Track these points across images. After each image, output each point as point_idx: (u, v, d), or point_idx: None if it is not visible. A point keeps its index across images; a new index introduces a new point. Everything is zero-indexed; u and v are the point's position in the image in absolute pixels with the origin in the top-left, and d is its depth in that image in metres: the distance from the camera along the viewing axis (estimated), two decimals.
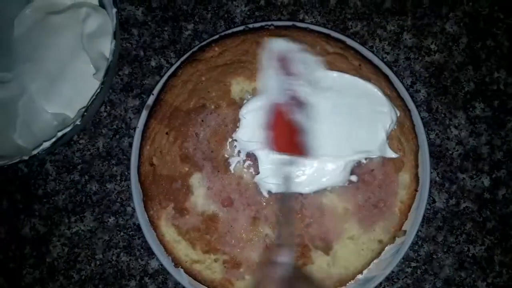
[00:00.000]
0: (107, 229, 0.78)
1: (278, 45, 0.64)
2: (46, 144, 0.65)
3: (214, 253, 0.65)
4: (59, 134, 0.65)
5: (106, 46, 0.69)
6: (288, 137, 0.61)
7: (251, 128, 0.64)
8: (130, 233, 0.78)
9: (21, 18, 0.70)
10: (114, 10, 0.68)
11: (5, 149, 0.69)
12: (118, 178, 0.78)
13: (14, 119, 0.69)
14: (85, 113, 0.66)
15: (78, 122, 0.65)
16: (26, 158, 0.65)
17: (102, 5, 0.73)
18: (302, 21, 0.79)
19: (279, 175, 0.61)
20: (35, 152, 0.65)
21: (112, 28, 0.68)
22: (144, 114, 0.71)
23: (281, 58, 0.63)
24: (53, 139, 0.65)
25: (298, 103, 0.62)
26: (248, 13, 0.80)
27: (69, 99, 0.70)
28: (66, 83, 0.70)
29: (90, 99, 0.66)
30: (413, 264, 0.75)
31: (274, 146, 0.60)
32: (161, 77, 0.73)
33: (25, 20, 0.71)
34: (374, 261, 0.68)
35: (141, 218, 0.70)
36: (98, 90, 0.66)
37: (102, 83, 0.66)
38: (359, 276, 0.69)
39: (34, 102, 0.70)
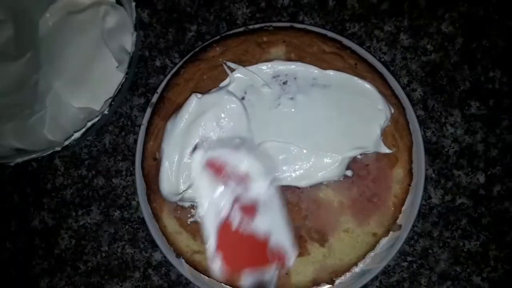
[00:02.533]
0: (112, 222, 0.81)
1: (200, 155, 0.60)
2: (77, 135, 0.70)
3: None
4: (89, 124, 0.70)
5: (126, 40, 0.74)
6: (239, 248, 0.56)
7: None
8: (135, 226, 0.80)
9: (44, 20, 0.74)
10: (133, 3, 0.72)
11: (37, 143, 0.73)
12: (124, 173, 0.81)
13: (44, 115, 0.73)
14: (112, 103, 0.70)
15: (106, 112, 0.70)
16: (59, 149, 0.69)
17: (119, 2, 0.77)
18: (302, 22, 0.81)
19: None
20: (67, 142, 0.70)
21: (132, 20, 0.72)
22: (149, 111, 0.74)
23: (211, 165, 0.58)
24: (83, 130, 0.70)
25: (248, 210, 0.57)
26: (249, 14, 0.82)
27: (94, 93, 0.74)
28: (90, 78, 0.74)
29: (116, 89, 0.70)
30: (409, 259, 0.77)
31: (226, 266, 0.57)
32: (165, 76, 0.76)
33: (48, 21, 0.74)
34: (370, 254, 0.70)
35: (145, 212, 0.73)
36: (123, 80, 0.70)
37: (127, 74, 0.70)
38: (356, 269, 0.71)
39: (60, 98, 0.73)
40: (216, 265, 0.56)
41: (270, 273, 0.56)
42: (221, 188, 0.58)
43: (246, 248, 0.56)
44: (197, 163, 0.59)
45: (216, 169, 0.58)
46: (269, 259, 0.56)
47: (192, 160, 0.59)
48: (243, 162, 0.59)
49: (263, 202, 0.58)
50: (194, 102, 0.63)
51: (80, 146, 0.82)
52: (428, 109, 0.79)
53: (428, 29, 0.80)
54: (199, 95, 0.63)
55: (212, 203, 0.57)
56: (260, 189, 0.58)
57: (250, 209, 0.56)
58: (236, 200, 0.57)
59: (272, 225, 0.57)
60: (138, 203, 0.79)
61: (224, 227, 0.56)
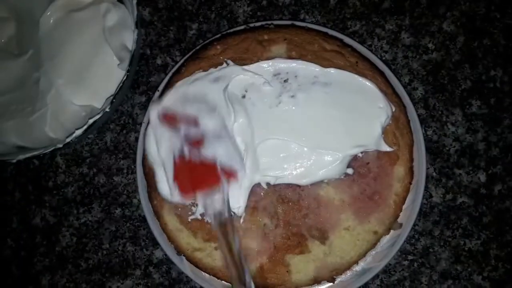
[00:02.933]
0: (113, 220, 0.81)
1: (156, 109, 0.66)
2: (78, 132, 0.70)
3: (215, 242, 0.67)
4: (90, 121, 0.70)
5: (127, 38, 0.74)
6: (192, 175, 0.62)
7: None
8: (136, 224, 0.81)
9: (45, 18, 0.74)
10: (134, 1, 0.72)
11: (38, 141, 0.73)
12: (125, 171, 0.81)
13: (45, 113, 0.73)
14: (114, 100, 0.70)
15: (107, 109, 0.70)
16: (60, 146, 0.70)
17: (120, 0, 0.77)
18: (303, 20, 0.81)
19: (209, 214, 0.63)
20: (68, 139, 0.70)
21: (134, 18, 0.72)
22: None
23: (164, 117, 0.65)
24: (85, 127, 0.70)
25: (196, 143, 0.63)
26: (250, 13, 0.82)
27: (95, 91, 0.74)
28: (91, 76, 0.74)
29: (118, 87, 0.71)
30: (410, 257, 0.77)
31: (181, 193, 0.63)
32: (166, 74, 0.77)
33: (49, 19, 0.74)
34: (371, 252, 0.70)
35: (146, 209, 0.73)
36: (125, 78, 0.70)
37: (128, 71, 0.70)
38: (356, 268, 0.71)
39: (61, 95, 0.73)
40: (175, 193, 0.63)
41: (221, 189, 0.62)
42: (175, 132, 0.64)
43: (198, 174, 0.62)
44: (154, 120, 0.65)
45: (169, 119, 0.64)
46: (219, 178, 0.62)
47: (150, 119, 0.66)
48: (187, 106, 0.65)
49: (211, 134, 0.63)
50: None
51: (82, 144, 0.82)
52: (429, 108, 0.79)
53: (429, 28, 0.80)
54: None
55: (168, 148, 0.64)
56: (207, 124, 0.64)
57: (198, 142, 0.63)
58: (186, 137, 0.63)
59: (220, 150, 0.63)
60: (139, 201, 0.80)
61: (179, 162, 0.63)
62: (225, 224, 0.61)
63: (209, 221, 0.67)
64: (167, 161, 0.64)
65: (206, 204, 0.62)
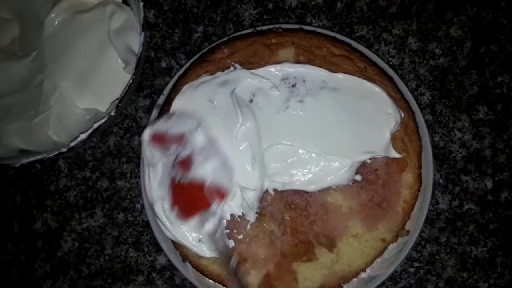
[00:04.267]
0: (116, 225, 0.80)
1: (148, 132, 0.65)
2: (83, 136, 0.69)
3: None
4: (95, 125, 0.69)
5: (132, 40, 0.73)
6: (186, 198, 0.62)
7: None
8: (139, 229, 0.79)
9: (50, 19, 0.73)
10: (141, 3, 0.71)
11: (42, 145, 0.72)
12: (128, 175, 0.80)
13: (48, 116, 0.72)
14: (119, 104, 0.69)
15: (112, 113, 0.69)
16: (64, 150, 0.68)
17: (125, 2, 0.76)
18: (309, 24, 0.80)
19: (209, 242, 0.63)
20: (73, 144, 0.69)
21: (140, 21, 0.71)
22: (155, 113, 0.73)
23: (155, 140, 0.64)
24: (90, 131, 0.69)
25: (184, 164, 0.62)
26: (256, 16, 0.82)
27: (99, 94, 0.73)
28: (96, 79, 0.73)
29: (124, 90, 0.69)
30: (416, 264, 0.77)
31: (182, 218, 0.62)
32: (171, 77, 0.76)
33: (53, 21, 0.73)
34: (378, 260, 0.69)
35: (150, 215, 0.72)
36: (131, 81, 0.69)
37: (134, 75, 0.69)
38: (363, 275, 0.70)
39: (65, 98, 0.72)
40: (173, 218, 0.63)
41: (214, 212, 0.61)
42: (165, 154, 0.63)
43: (190, 197, 0.62)
44: (145, 143, 0.64)
45: (159, 140, 0.64)
46: (209, 201, 0.61)
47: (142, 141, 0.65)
48: (175, 126, 0.64)
49: (197, 153, 0.63)
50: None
51: (84, 148, 0.81)
52: (436, 114, 0.79)
53: (436, 33, 0.80)
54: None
55: (163, 170, 0.64)
56: (196, 141, 0.63)
57: (186, 163, 0.62)
58: (177, 158, 0.62)
59: (208, 170, 0.62)
60: (142, 206, 0.79)
61: (171, 186, 0.62)
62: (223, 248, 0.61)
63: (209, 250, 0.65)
64: (163, 185, 0.64)
65: (202, 229, 0.62)
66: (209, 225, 0.61)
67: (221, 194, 0.62)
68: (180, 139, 0.63)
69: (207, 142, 0.63)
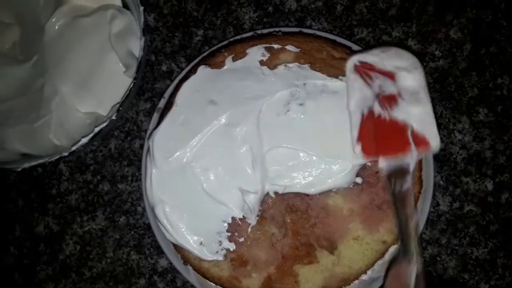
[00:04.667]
0: (118, 228, 0.80)
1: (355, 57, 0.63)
2: (84, 140, 0.70)
3: None
4: (96, 129, 0.69)
5: (133, 45, 0.73)
6: (379, 135, 0.59)
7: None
8: (140, 232, 0.80)
9: (50, 24, 0.73)
10: (141, 8, 0.72)
11: (43, 149, 0.72)
12: (129, 178, 0.81)
13: (49, 120, 0.72)
14: (120, 108, 0.69)
15: (114, 117, 0.69)
16: (66, 154, 0.69)
17: (125, 6, 0.77)
18: (309, 27, 0.81)
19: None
20: (74, 148, 0.69)
21: (141, 25, 0.71)
22: (156, 116, 0.74)
23: (361, 66, 0.62)
24: (91, 135, 0.69)
25: (389, 100, 0.59)
26: (256, 19, 0.82)
27: (100, 98, 0.73)
28: (97, 83, 0.73)
29: (125, 94, 0.70)
30: None
31: (364, 154, 0.60)
32: (172, 81, 0.76)
33: (54, 25, 0.73)
34: (379, 262, 0.69)
35: (151, 217, 0.72)
36: (131, 85, 0.69)
37: (135, 78, 0.70)
38: (364, 277, 0.70)
39: (66, 103, 0.72)
40: (357, 152, 0.60)
41: (408, 158, 0.58)
42: (368, 84, 0.61)
43: (385, 136, 0.59)
44: (348, 68, 0.62)
45: (365, 69, 0.61)
46: (408, 144, 0.58)
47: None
48: (387, 60, 0.62)
49: (405, 95, 0.60)
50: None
51: (86, 151, 0.81)
52: (436, 116, 0.79)
53: (436, 35, 0.80)
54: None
55: (358, 101, 0.61)
56: (406, 83, 0.61)
57: (392, 99, 0.59)
58: (380, 93, 0.60)
59: (414, 114, 0.59)
60: (143, 209, 0.79)
61: (367, 118, 0.60)
62: (406, 194, 0.58)
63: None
64: (353, 115, 0.61)
65: (389, 170, 0.59)
66: (412, 164, 0.58)
67: (425, 142, 0.58)
68: (390, 75, 0.61)
69: (420, 86, 0.61)
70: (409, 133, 0.58)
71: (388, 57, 0.62)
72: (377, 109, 0.59)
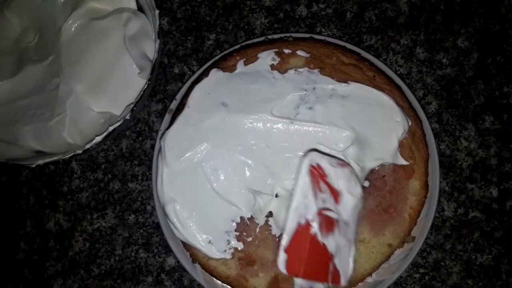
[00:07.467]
0: (127, 226, 0.81)
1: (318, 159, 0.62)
2: (98, 139, 0.71)
3: None
4: (110, 128, 0.71)
5: (147, 47, 0.75)
6: (307, 255, 0.57)
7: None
8: (149, 230, 0.81)
9: (67, 26, 0.75)
10: (157, 11, 0.73)
11: (57, 146, 0.74)
12: (140, 178, 0.82)
13: (64, 118, 0.74)
14: (134, 108, 0.71)
15: (127, 117, 0.71)
16: (79, 152, 0.70)
17: (140, 9, 0.78)
18: (319, 33, 0.82)
19: None
20: (88, 146, 0.71)
21: (156, 28, 0.73)
22: (167, 117, 0.75)
23: (315, 169, 0.60)
24: (105, 134, 0.71)
25: (328, 223, 0.59)
26: (267, 25, 0.84)
27: (114, 98, 0.75)
28: (111, 83, 0.75)
29: (139, 95, 0.71)
30: (421, 270, 0.78)
31: (287, 267, 0.58)
32: (184, 83, 0.77)
33: (71, 27, 0.75)
34: (384, 265, 0.70)
35: (160, 216, 0.73)
36: (145, 86, 0.71)
37: (149, 80, 0.71)
38: (369, 279, 0.71)
39: (81, 102, 0.74)
40: (282, 260, 0.58)
41: (322, 286, 0.59)
42: (314, 195, 0.59)
43: (313, 261, 0.58)
44: (304, 166, 0.60)
45: (317, 177, 0.60)
46: (327, 275, 0.58)
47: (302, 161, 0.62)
48: (341, 179, 0.62)
49: (342, 222, 0.60)
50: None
51: (97, 150, 0.83)
52: (443, 123, 0.80)
53: (444, 44, 0.81)
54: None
55: (301, 205, 0.59)
56: (347, 206, 0.61)
57: (330, 223, 0.59)
58: (321, 210, 0.59)
59: (341, 246, 0.59)
60: (153, 207, 0.80)
61: (303, 230, 0.58)
62: None
63: None
64: (291, 220, 0.59)
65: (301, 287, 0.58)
66: None
67: (338, 279, 0.59)
68: (336, 194, 0.60)
69: (353, 217, 0.61)
70: (331, 266, 0.58)
71: (342, 175, 0.62)
72: (315, 227, 0.58)
